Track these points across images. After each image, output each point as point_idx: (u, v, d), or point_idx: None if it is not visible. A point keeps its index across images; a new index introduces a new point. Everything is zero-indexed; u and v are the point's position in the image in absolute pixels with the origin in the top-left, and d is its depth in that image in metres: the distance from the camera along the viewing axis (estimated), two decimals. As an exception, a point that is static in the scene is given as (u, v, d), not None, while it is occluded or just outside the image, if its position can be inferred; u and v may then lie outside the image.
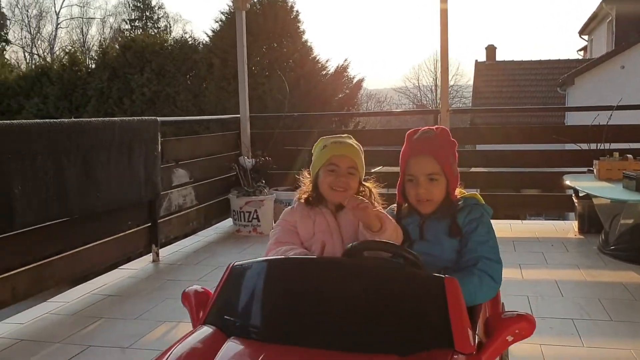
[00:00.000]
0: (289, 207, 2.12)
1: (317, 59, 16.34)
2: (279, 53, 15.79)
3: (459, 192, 2.08)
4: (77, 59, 17.96)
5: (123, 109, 16.00)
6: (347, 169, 2.01)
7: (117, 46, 17.99)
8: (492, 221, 2.04)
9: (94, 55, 21.44)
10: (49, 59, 26.35)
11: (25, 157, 3.15)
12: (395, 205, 2.15)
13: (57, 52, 29.26)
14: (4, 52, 28.40)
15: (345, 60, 20.57)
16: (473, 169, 6.87)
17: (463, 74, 37.61)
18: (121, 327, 3.19)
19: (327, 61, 16.56)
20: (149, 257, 4.55)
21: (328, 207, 2.04)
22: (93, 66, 17.89)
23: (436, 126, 2.11)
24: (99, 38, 32.48)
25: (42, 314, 3.40)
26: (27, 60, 31.94)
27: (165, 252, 4.77)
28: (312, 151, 2.13)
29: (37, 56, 32.58)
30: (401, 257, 1.73)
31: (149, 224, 4.49)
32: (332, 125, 14.81)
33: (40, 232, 3.39)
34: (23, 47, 33.52)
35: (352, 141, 2.11)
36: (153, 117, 4.46)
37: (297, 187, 2.20)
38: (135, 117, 4.35)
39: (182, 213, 5.12)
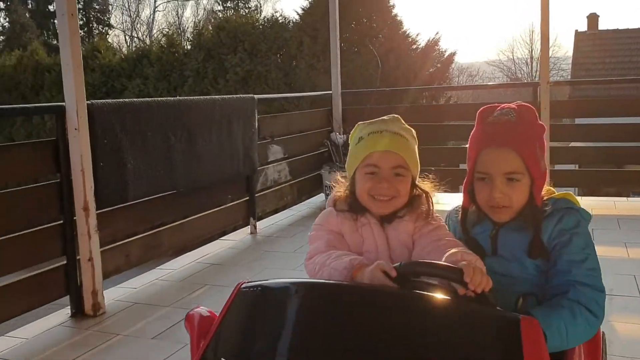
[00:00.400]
0: (329, 210, 1.63)
1: (407, 33, 16.11)
2: (367, 28, 15.69)
3: (546, 191, 1.56)
4: (174, 41, 18.69)
5: (217, 89, 16.54)
6: (391, 170, 1.49)
7: (210, 27, 18.56)
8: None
9: (189, 36, 22.19)
10: (147, 42, 27.65)
11: (137, 134, 3.36)
12: (459, 206, 1.65)
13: (155, 35, 30.56)
14: (107, 36, 30.15)
15: (437, 33, 20.16)
16: (572, 144, 6.60)
17: (560, 45, 35.84)
18: (225, 293, 3.32)
19: (417, 35, 16.36)
20: (247, 230, 4.75)
21: (374, 216, 1.55)
22: (189, 47, 18.55)
23: (517, 102, 1.57)
24: (194, 20, 33.59)
25: (152, 280, 3.65)
26: (128, 44, 33.61)
27: (261, 225, 4.94)
28: (349, 141, 1.63)
29: (136, 39, 34.23)
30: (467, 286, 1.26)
31: (247, 198, 4.68)
32: (422, 100, 14.63)
33: (150, 204, 3.62)
34: (124, 31, 35.30)
35: (398, 126, 1.54)
36: (250, 95, 4.62)
37: None
38: (233, 95, 4.52)
39: (276, 188, 5.29)
